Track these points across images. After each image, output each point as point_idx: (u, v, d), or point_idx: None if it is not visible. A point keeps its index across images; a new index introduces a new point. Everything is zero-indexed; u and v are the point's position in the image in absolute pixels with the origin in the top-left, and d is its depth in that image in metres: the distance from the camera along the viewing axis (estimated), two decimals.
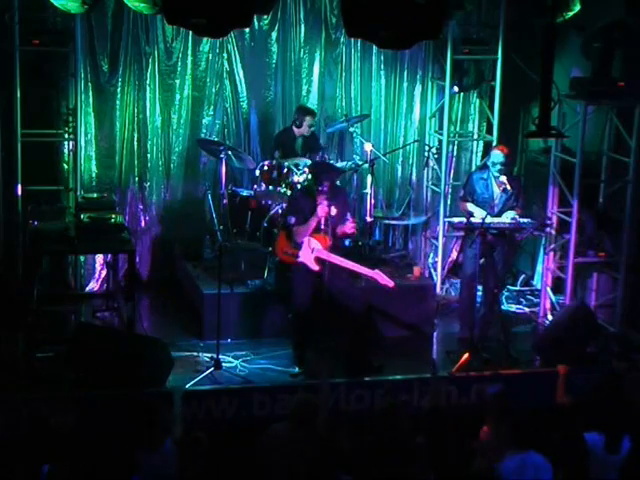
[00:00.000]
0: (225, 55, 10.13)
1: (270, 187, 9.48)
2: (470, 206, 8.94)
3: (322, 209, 8.13)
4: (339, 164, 9.94)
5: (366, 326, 8.51)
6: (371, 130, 10.63)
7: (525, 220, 8.90)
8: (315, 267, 8.19)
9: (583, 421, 6.39)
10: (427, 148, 10.72)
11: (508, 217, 8.80)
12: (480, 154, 10.84)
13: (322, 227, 8.18)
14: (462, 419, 6.83)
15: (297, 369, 8.34)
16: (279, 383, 8.00)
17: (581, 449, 6.18)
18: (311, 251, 8.19)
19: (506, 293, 10.36)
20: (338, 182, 9.12)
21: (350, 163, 10.08)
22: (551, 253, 9.97)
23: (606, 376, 6.85)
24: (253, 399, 7.39)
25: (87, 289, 9.96)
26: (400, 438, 6.00)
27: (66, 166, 9.73)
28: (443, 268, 10.39)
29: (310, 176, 8.89)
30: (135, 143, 10.03)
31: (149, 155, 10.06)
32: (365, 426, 6.31)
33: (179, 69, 10.02)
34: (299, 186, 9.27)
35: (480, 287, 9.04)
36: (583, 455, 6.19)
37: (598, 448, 6.23)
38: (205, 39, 9.91)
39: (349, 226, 8.28)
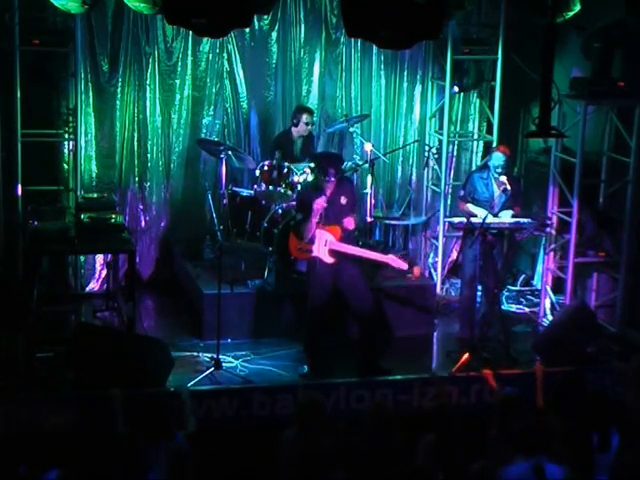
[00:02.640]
0: (225, 55, 10.13)
1: (270, 187, 9.47)
2: (470, 207, 8.95)
3: (317, 203, 7.99)
4: None
5: (376, 327, 8.42)
6: (371, 130, 10.62)
7: (525, 220, 8.91)
8: (329, 260, 8.08)
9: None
10: (427, 148, 10.72)
11: (508, 217, 8.80)
12: (480, 154, 10.84)
13: (319, 220, 8.04)
14: (462, 419, 6.81)
15: (306, 369, 8.29)
16: (279, 383, 8.00)
17: (589, 448, 6.16)
18: (324, 244, 8.09)
19: (506, 293, 10.35)
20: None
21: (350, 163, 10.06)
22: (551, 253, 9.97)
23: (566, 375, 6.80)
24: (253, 399, 7.38)
25: (87, 289, 9.96)
26: (391, 438, 5.98)
27: (66, 166, 9.73)
28: (443, 268, 10.39)
29: (315, 169, 8.57)
30: (135, 143, 10.02)
31: (149, 155, 10.06)
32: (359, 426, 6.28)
33: (179, 69, 10.01)
34: (299, 186, 9.27)
35: (480, 287, 9.05)
36: (590, 454, 6.17)
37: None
38: (205, 39, 9.90)
39: (349, 221, 8.12)
